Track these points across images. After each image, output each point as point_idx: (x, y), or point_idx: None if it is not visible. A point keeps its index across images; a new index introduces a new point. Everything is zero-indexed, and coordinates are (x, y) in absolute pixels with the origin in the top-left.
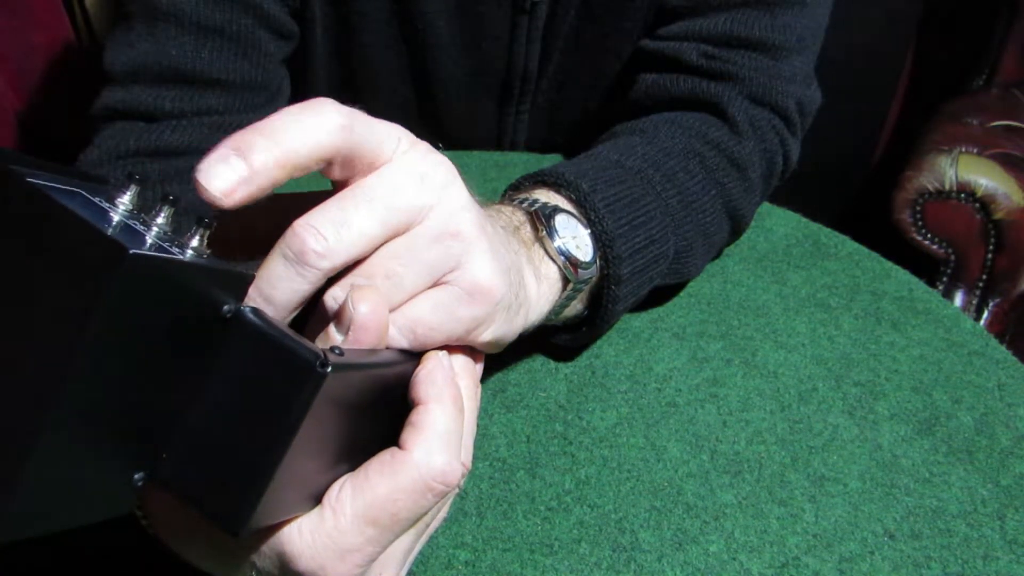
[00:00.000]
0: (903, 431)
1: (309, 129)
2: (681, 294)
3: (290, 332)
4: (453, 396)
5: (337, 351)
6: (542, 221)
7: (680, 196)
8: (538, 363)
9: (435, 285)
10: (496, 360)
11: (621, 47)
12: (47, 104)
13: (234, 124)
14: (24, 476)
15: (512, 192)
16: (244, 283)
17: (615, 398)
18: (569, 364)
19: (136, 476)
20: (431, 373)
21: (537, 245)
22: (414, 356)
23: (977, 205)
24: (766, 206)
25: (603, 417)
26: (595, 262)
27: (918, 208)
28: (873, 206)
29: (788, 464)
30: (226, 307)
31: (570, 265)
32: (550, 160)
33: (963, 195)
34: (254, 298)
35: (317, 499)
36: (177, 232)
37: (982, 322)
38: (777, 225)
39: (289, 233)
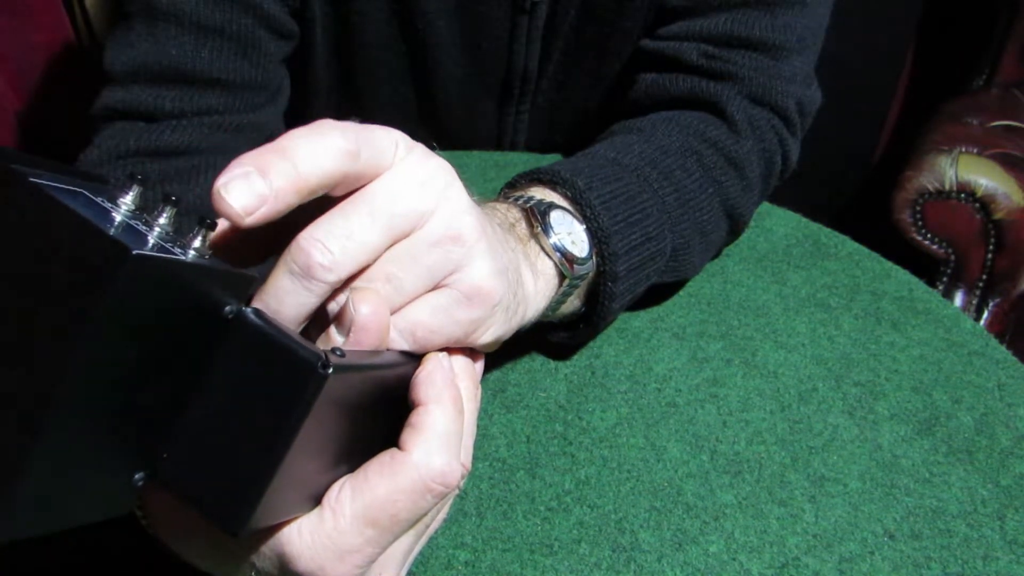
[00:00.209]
0: (903, 431)
1: (318, 155)
2: (681, 294)
3: (291, 333)
4: (453, 397)
5: (338, 352)
6: (537, 217)
7: (677, 194)
8: (538, 363)
9: (435, 288)
10: (496, 360)
11: (621, 47)
12: (47, 104)
13: (234, 124)
14: (24, 476)
15: (508, 190)
16: (246, 284)
17: (615, 398)
18: (569, 364)
19: (136, 476)
20: (431, 374)
21: (533, 241)
22: (414, 357)
23: (977, 205)
24: (766, 206)
25: (603, 417)
26: (591, 258)
27: (918, 208)
28: (873, 206)
29: (788, 464)
30: (228, 308)
31: (566, 261)
32: (550, 160)
33: (963, 195)
34: None
35: (317, 500)
36: (179, 233)
37: (982, 322)
38: (777, 225)
39: (294, 247)
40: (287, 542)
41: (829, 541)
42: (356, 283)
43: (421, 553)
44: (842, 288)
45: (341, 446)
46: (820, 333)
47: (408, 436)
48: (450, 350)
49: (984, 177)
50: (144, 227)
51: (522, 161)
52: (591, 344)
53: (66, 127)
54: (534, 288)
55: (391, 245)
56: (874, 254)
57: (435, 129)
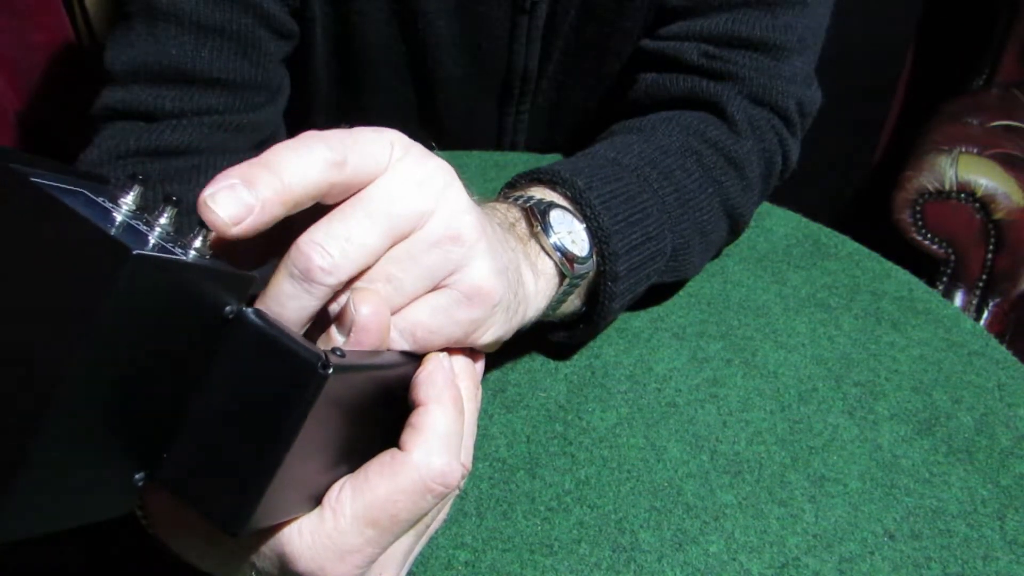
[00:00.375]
0: (903, 431)
1: (303, 166)
2: (681, 294)
3: (292, 333)
4: (453, 397)
5: (338, 352)
6: (537, 217)
7: (677, 194)
8: (538, 363)
9: (435, 288)
10: (496, 360)
11: (621, 47)
12: (47, 104)
13: (234, 124)
14: (24, 476)
15: (508, 190)
16: (246, 284)
17: (615, 398)
18: (569, 364)
19: (137, 476)
20: (431, 375)
21: (533, 241)
22: (415, 358)
23: (977, 205)
24: (766, 206)
25: (603, 417)
26: (591, 257)
27: (918, 208)
28: (873, 206)
29: (788, 464)
30: (228, 308)
31: (566, 260)
32: (550, 160)
33: (963, 195)
34: None
35: (317, 500)
36: (179, 233)
37: (982, 322)
38: (777, 225)
39: (294, 251)
40: (287, 542)
41: (829, 541)
42: (357, 284)
43: (421, 553)
44: (842, 288)
45: (341, 446)
46: (820, 333)
47: (408, 436)
48: (450, 350)
49: (984, 177)
50: (145, 227)
51: (522, 161)
52: (591, 344)
53: (66, 127)
54: (534, 287)
55: (391, 246)
56: (874, 254)
57: (435, 129)
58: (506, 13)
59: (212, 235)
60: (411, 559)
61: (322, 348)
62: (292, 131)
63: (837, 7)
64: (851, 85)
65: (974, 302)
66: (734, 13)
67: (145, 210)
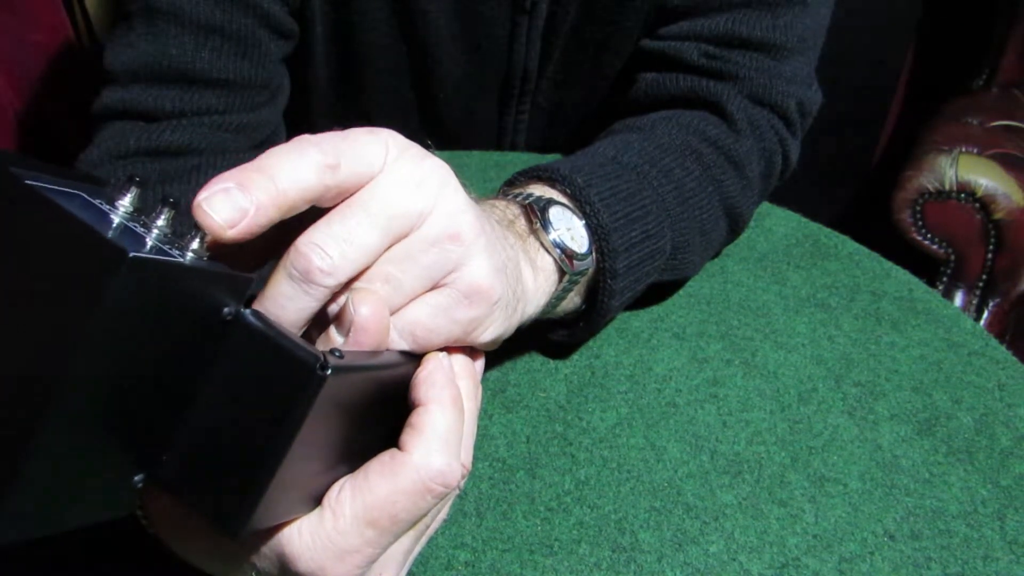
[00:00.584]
0: (903, 431)
1: (297, 170)
2: (681, 294)
3: (290, 334)
4: (453, 397)
5: (337, 353)
6: (536, 214)
7: (677, 192)
8: (538, 363)
9: (434, 288)
10: (496, 360)
11: (621, 46)
12: (47, 104)
13: (234, 124)
14: (24, 477)
15: (507, 187)
16: (244, 286)
17: (615, 398)
18: (569, 364)
19: (136, 477)
20: (431, 374)
21: (532, 238)
22: (414, 357)
23: (977, 205)
24: (766, 206)
25: (603, 417)
26: (591, 254)
27: (918, 208)
28: (873, 206)
29: (788, 464)
30: (226, 309)
31: (565, 257)
32: (550, 159)
33: (963, 195)
34: None
35: (317, 500)
36: (177, 235)
37: (982, 322)
38: (777, 225)
39: (293, 252)
40: (287, 542)
41: (829, 541)
42: (356, 284)
43: (421, 553)
44: (842, 288)
45: (341, 447)
46: (820, 333)
47: (408, 436)
48: (450, 349)
49: (984, 177)
50: (142, 229)
51: (522, 161)
52: (591, 344)
53: (66, 127)
54: (533, 284)
55: (390, 246)
56: (874, 254)
57: (435, 129)
58: (506, 13)
59: (209, 237)
60: (411, 559)
61: (321, 349)
62: (292, 131)
63: (837, 7)
64: (851, 85)
65: (974, 302)
66: (734, 13)
67: (143, 212)
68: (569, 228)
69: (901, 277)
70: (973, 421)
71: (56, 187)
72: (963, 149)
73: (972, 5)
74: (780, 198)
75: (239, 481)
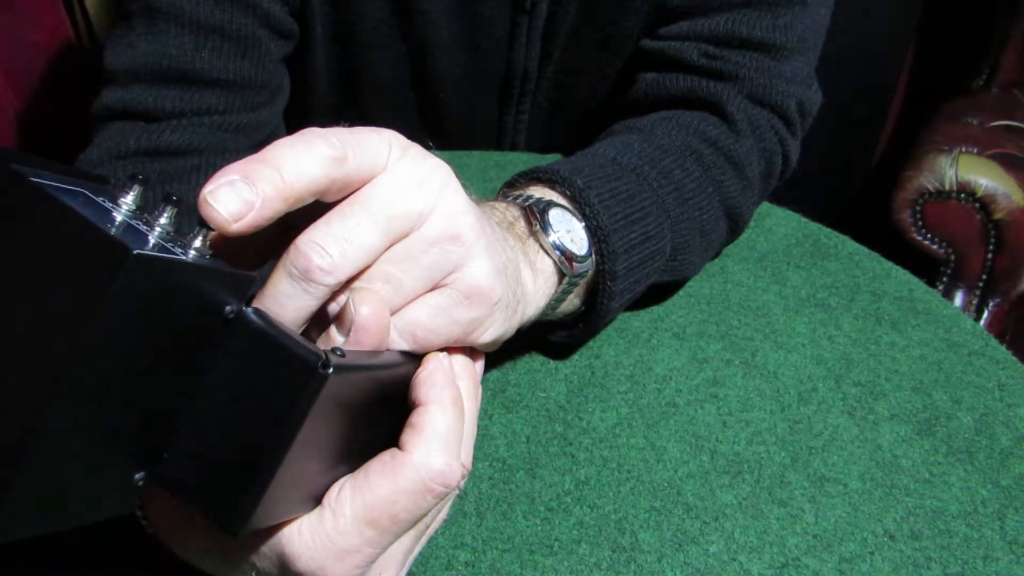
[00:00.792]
0: (903, 431)
1: (304, 162)
2: (681, 294)
3: (292, 333)
4: (453, 397)
5: (339, 352)
6: (536, 216)
7: (676, 193)
8: (538, 363)
9: (434, 288)
10: (496, 360)
11: (621, 47)
12: (47, 104)
13: (234, 124)
14: (25, 475)
15: (507, 189)
16: (246, 284)
17: (615, 398)
18: (569, 364)
19: (137, 476)
20: (431, 375)
21: (532, 240)
22: (415, 357)
23: (977, 205)
24: (766, 206)
25: (603, 417)
26: (590, 255)
27: (918, 208)
28: (873, 206)
29: (788, 464)
30: (228, 308)
31: (565, 259)
32: (550, 160)
33: (963, 195)
34: None
35: (317, 500)
36: (179, 233)
37: (982, 322)
38: (777, 225)
39: (293, 251)
40: (287, 542)
41: (829, 541)
42: (356, 284)
43: (421, 553)
44: (842, 288)
45: (341, 446)
46: (820, 333)
47: (408, 436)
48: (450, 349)
49: (984, 177)
50: (145, 227)
51: (522, 161)
52: (591, 344)
53: (66, 127)
54: (533, 286)
55: (390, 246)
56: (874, 254)
57: (435, 129)
58: (506, 13)
59: (212, 235)
60: (411, 559)
61: (322, 348)
62: (292, 131)
63: (837, 7)
64: (851, 85)
65: (974, 302)
66: (734, 13)
67: (145, 210)
68: (569, 230)
69: (901, 277)
70: (973, 421)
71: (59, 185)
72: (963, 149)
73: (972, 5)
74: (780, 198)
75: (240, 480)
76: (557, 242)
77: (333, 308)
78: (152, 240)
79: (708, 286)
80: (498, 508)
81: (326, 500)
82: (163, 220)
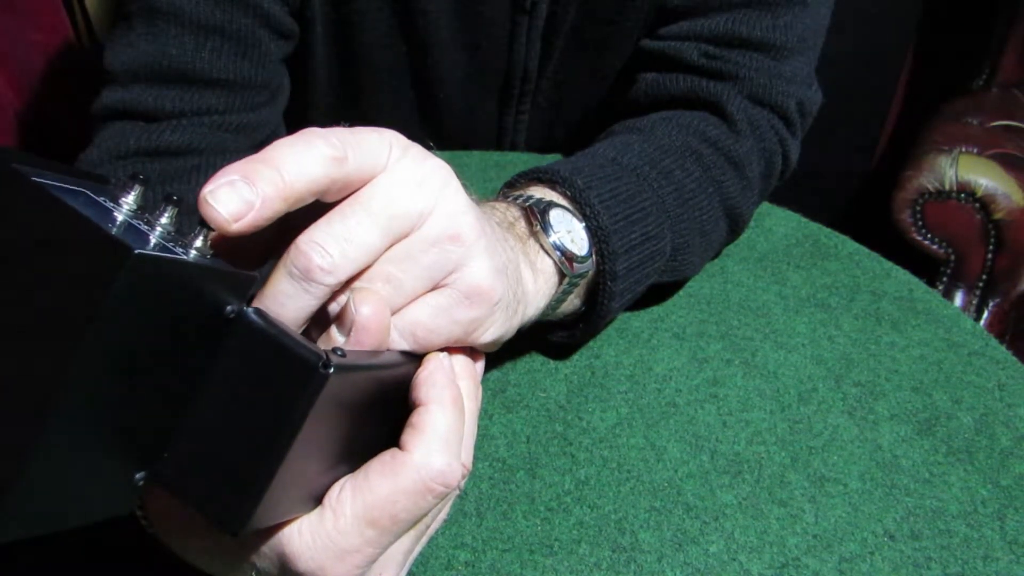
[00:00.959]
0: (903, 431)
1: (304, 162)
2: (681, 294)
3: (293, 333)
4: (453, 397)
5: (339, 352)
6: (536, 216)
7: (677, 193)
8: (538, 363)
9: (435, 288)
10: (496, 360)
11: (621, 46)
12: (47, 104)
13: (234, 124)
14: (24, 475)
15: (507, 189)
16: (247, 284)
17: (615, 398)
18: (569, 364)
19: (137, 475)
20: (432, 375)
21: (532, 240)
22: (415, 357)
23: (977, 205)
24: (766, 206)
25: (603, 417)
26: (591, 256)
27: (918, 208)
28: (873, 206)
29: (788, 464)
30: (229, 308)
31: (565, 260)
32: (550, 160)
33: (963, 195)
34: None
35: (317, 500)
36: (180, 233)
37: (982, 322)
38: (777, 225)
39: (293, 250)
40: (287, 542)
41: (829, 541)
42: (356, 283)
43: (421, 553)
44: (842, 288)
45: (342, 446)
46: (820, 333)
47: (409, 436)
48: (451, 350)
49: (984, 177)
50: (146, 227)
51: (522, 161)
52: (591, 344)
53: (66, 127)
54: (534, 286)
55: (390, 246)
56: (874, 254)
57: (435, 129)
58: (506, 13)
59: (213, 234)
60: (411, 559)
61: (322, 348)
62: (292, 131)
63: (837, 7)
64: (851, 85)
65: (974, 302)
66: (734, 13)
67: (146, 210)
68: (569, 231)
69: (901, 277)
70: (973, 421)
71: (60, 184)
72: (963, 149)
73: (972, 5)
74: (780, 198)
75: (240, 479)
76: (557, 242)
77: (334, 308)
78: (153, 240)
79: (708, 286)
80: (498, 508)
81: (326, 500)
82: (164, 220)
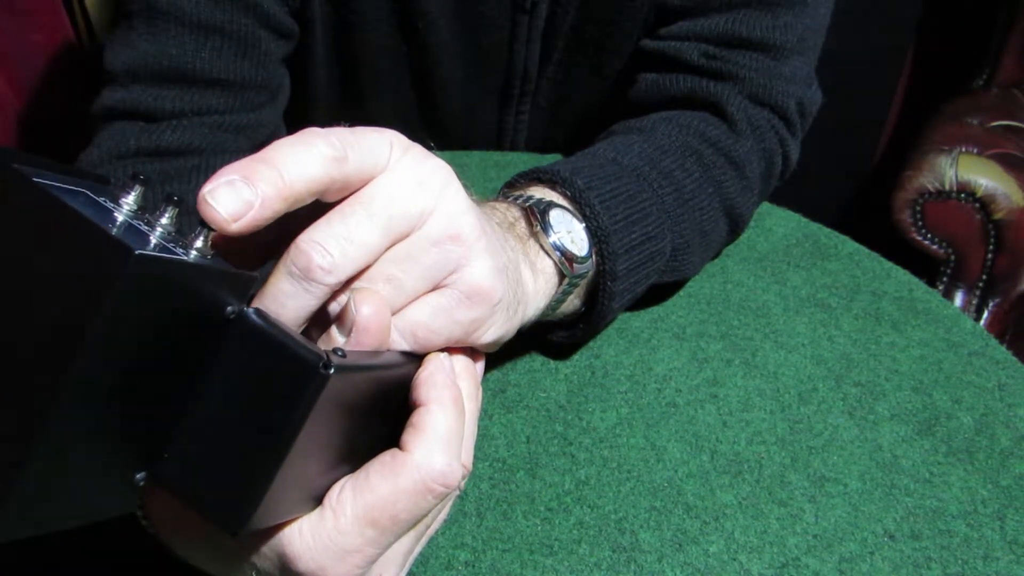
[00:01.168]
0: (903, 431)
1: (304, 162)
2: (681, 294)
3: (293, 333)
4: (454, 398)
5: (340, 353)
6: (536, 216)
7: (677, 193)
8: (538, 363)
9: (435, 288)
10: (496, 360)
11: (621, 46)
12: (47, 104)
13: (234, 124)
14: (26, 476)
15: (507, 189)
16: (247, 284)
17: (615, 398)
18: (569, 364)
19: (138, 476)
20: (432, 375)
21: (532, 240)
22: (416, 358)
23: (977, 205)
24: (766, 206)
25: (603, 417)
26: (591, 256)
27: (918, 208)
28: (873, 206)
29: (788, 464)
30: (229, 308)
31: (565, 260)
32: (550, 160)
33: (963, 195)
34: None
35: (318, 500)
36: (180, 233)
37: (982, 322)
38: (777, 225)
39: (294, 250)
40: (288, 542)
41: (829, 541)
42: (357, 284)
43: (421, 553)
44: (842, 288)
45: (342, 446)
46: (820, 333)
47: (409, 436)
48: (451, 350)
49: (984, 177)
50: (146, 227)
51: (522, 161)
52: (591, 344)
53: (66, 127)
54: (534, 287)
55: (391, 246)
56: (874, 254)
57: (435, 129)
58: (506, 13)
59: (213, 235)
60: (411, 559)
61: (323, 348)
62: (292, 131)
63: (837, 7)
64: (851, 85)
65: (974, 302)
66: (734, 13)
67: (146, 210)
68: (569, 231)
69: (901, 277)
70: (973, 421)
71: (61, 185)
72: (963, 149)
73: (972, 5)
74: (780, 198)
75: (240, 480)
76: (557, 243)
77: (334, 308)
78: (153, 240)
79: (708, 286)
80: (498, 508)
81: (327, 500)
82: (164, 220)
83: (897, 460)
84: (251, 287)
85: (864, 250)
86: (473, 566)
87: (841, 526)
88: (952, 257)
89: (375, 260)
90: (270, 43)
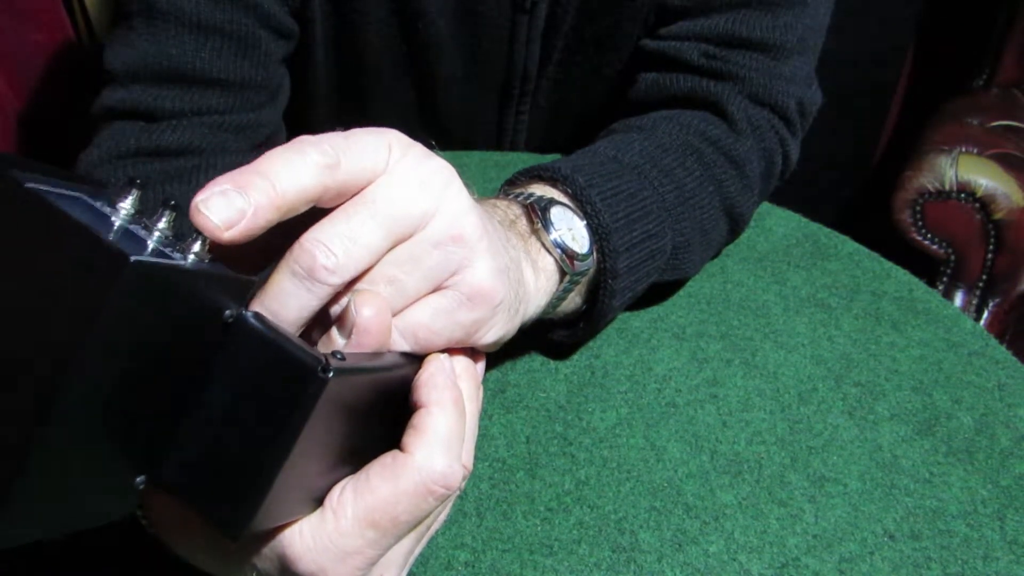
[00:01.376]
0: (903, 431)
1: (296, 171)
2: (681, 294)
3: (292, 336)
4: (454, 399)
5: (339, 355)
6: (537, 214)
7: (677, 192)
8: (538, 363)
9: (436, 289)
10: (496, 360)
11: (621, 46)
12: (47, 104)
13: (234, 124)
14: (25, 481)
15: (508, 187)
16: (246, 288)
17: (615, 398)
18: (569, 364)
19: (138, 479)
20: (432, 376)
21: (533, 238)
22: (416, 358)
23: (977, 205)
24: (766, 206)
25: (603, 417)
26: (591, 254)
27: (918, 208)
28: (873, 206)
29: (788, 464)
30: (228, 312)
31: (566, 257)
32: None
33: (963, 195)
34: None
35: (318, 502)
36: (178, 237)
37: (982, 322)
38: (777, 225)
39: (297, 249)
40: (288, 544)
41: (829, 541)
42: (358, 285)
43: (421, 554)
44: (842, 288)
45: (342, 448)
46: (820, 333)
47: (410, 438)
48: (451, 351)
49: (984, 177)
50: (143, 232)
51: (522, 161)
52: (591, 344)
53: (66, 127)
54: (535, 285)
55: (393, 247)
56: (874, 254)
57: (435, 129)
58: (506, 13)
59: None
60: (411, 560)
61: (322, 351)
62: (292, 131)
63: (837, 7)
64: (851, 85)
65: (974, 302)
66: (734, 13)
67: (144, 213)
68: (570, 228)
69: (901, 277)
70: (973, 421)
71: (57, 190)
72: (963, 149)
73: (972, 5)
74: (780, 198)
75: (240, 483)
76: (558, 240)
77: (335, 310)
78: (150, 245)
79: (708, 286)
80: (498, 508)
81: (327, 502)
82: (162, 224)
83: (897, 460)
84: (249, 291)
85: (864, 250)
86: (473, 566)
87: (841, 526)
88: (952, 257)
89: (377, 261)
90: (270, 43)
